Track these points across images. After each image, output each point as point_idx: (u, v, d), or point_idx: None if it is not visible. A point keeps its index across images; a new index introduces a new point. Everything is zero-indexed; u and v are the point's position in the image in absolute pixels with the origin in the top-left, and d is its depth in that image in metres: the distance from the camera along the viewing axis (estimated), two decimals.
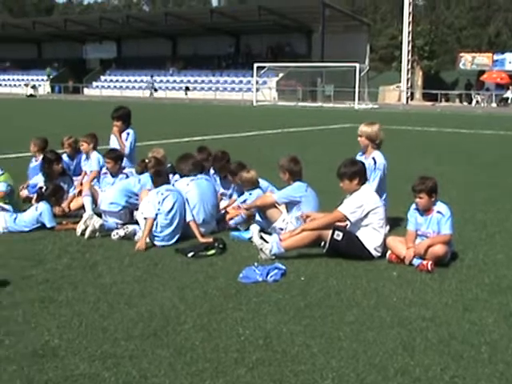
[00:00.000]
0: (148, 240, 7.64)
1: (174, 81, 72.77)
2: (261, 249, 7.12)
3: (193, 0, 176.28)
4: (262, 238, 7.28)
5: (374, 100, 58.76)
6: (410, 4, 59.36)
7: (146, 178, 8.72)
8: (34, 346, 4.70)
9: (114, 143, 10.41)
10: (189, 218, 7.90)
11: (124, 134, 10.35)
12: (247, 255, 7.26)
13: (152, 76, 68.51)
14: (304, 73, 58.11)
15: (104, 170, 9.71)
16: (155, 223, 7.71)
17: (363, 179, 7.31)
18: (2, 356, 4.51)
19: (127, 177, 9.38)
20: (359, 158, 8.21)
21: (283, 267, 6.56)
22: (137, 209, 8.40)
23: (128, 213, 8.51)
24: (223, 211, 8.87)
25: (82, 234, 7.98)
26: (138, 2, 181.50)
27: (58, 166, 9.73)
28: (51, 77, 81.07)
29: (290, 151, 11.66)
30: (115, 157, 9.48)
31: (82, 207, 9.23)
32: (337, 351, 4.68)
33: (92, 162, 9.92)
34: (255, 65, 55.99)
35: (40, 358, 4.49)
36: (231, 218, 8.54)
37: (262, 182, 8.94)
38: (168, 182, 8.27)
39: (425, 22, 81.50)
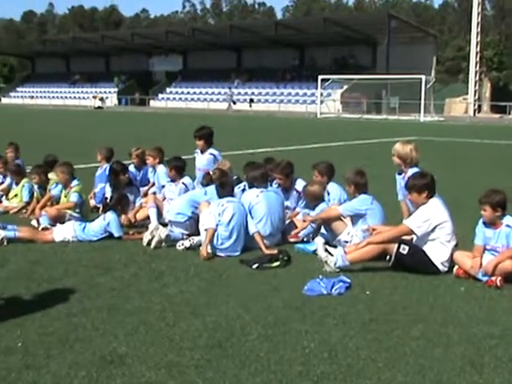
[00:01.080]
0: (210, 251, 7.72)
1: (239, 93, 73.32)
2: (325, 261, 7.09)
3: (258, 12, 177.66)
4: (326, 250, 7.24)
5: (440, 112, 57.97)
6: (478, 14, 58.36)
7: (212, 189, 8.81)
8: (103, 352, 4.79)
9: (199, 161, 10.51)
10: (252, 230, 7.93)
11: (208, 155, 10.42)
12: (312, 267, 7.24)
13: (230, 88, 68.30)
14: (369, 85, 57.73)
15: (168, 178, 9.90)
16: (216, 235, 7.78)
17: (432, 193, 7.20)
18: (73, 361, 4.62)
19: (186, 187, 9.52)
20: (398, 178, 8.19)
21: (348, 280, 6.52)
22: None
23: (194, 223, 8.60)
24: (287, 221, 8.88)
25: (149, 243, 8.11)
26: (203, 15, 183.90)
27: (124, 177, 9.92)
28: (119, 87, 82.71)
29: (354, 164, 11.62)
30: (176, 166, 9.64)
31: (148, 217, 9.38)
32: (403, 366, 4.61)
33: (160, 177, 10.10)
34: (319, 77, 55.92)
35: (108, 365, 4.58)
36: (298, 232, 8.55)
37: (333, 189, 8.85)
38: (232, 194, 8.33)
39: (494, 32, 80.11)
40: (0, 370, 4.46)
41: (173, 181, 9.65)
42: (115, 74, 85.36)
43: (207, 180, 9.29)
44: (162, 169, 10.27)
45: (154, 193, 10.20)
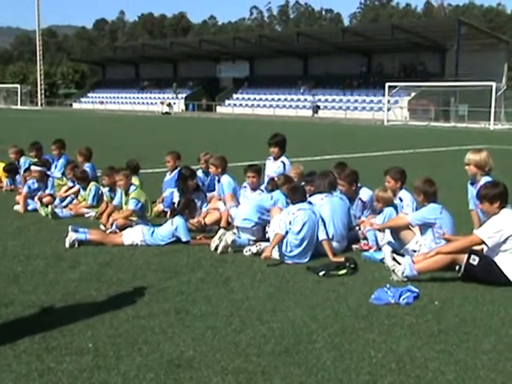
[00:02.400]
0: (273, 255, 7.74)
1: (305, 99, 73.29)
2: (393, 270, 7.01)
3: (325, 19, 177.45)
4: (394, 259, 7.16)
5: (511, 120, 56.56)
6: None
7: (277, 194, 8.83)
8: (170, 355, 4.85)
9: (270, 168, 10.57)
10: (322, 236, 7.92)
11: (279, 163, 10.46)
12: (379, 276, 7.17)
13: (314, 95, 67.87)
14: (437, 92, 56.89)
15: (245, 183, 9.93)
16: (285, 242, 7.78)
17: (504, 203, 7.03)
18: (141, 363, 4.69)
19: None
20: (470, 188, 8.02)
21: (416, 290, 6.42)
22: (269, 225, 8.53)
23: (261, 229, 8.63)
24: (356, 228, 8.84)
25: (216, 248, 8.18)
26: (270, 22, 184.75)
27: (192, 182, 10.02)
28: (178, 92, 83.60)
29: (422, 172, 11.46)
30: (258, 170, 9.82)
31: (215, 222, 9.45)
32: (473, 380, 4.51)
33: (224, 186, 10.10)
34: (387, 84, 55.37)
35: (176, 368, 4.63)
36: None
37: (406, 196, 8.76)
38: (304, 199, 8.30)
39: None
40: (72, 369, 4.57)
41: (252, 188, 9.74)
42: (183, 80, 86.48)
43: (272, 186, 9.32)
44: (226, 179, 10.18)
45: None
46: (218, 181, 10.42)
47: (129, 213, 9.40)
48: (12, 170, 13.34)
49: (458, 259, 6.92)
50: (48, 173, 12.11)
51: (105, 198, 10.50)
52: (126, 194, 9.63)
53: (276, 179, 9.42)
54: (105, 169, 10.73)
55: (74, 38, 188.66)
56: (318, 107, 66.20)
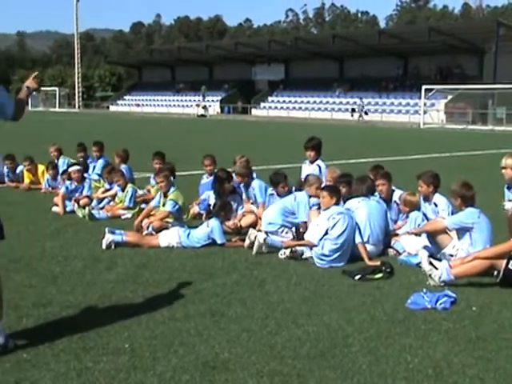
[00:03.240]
0: (318, 263, 7.76)
1: (340, 102, 73.01)
2: (430, 275, 6.94)
3: (360, 21, 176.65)
4: (431, 263, 7.09)
5: None
6: None
7: (301, 195, 8.83)
8: (206, 357, 4.87)
9: (306, 171, 10.54)
10: (358, 240, 7.90)
11: (314, 166, 10.43)
12: (415, 281, 7.11)
13: (361, 98, 67.34)
14: (474, 95, 56.15)
15: (270, 191, 9.90)
16: (322, 245, 7.77)
17: None
18: (177, 365, 4.72)
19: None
20: (507, 192, 7.91)
21: (453, 295, 6.36)
22: (296, 226, 8.62)
23: (289, 231, 8.67)
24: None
25: (250, 247, 8.21)
26: (306, 25, 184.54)
27: (228, 185, 10.04)
28: (206, 95, 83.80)
29: (459, 176, 11.33)
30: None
31: (251, 225, 9.47)
32: None
33: (256, 192, 10.09)
34: (423, 87, 54.85)
35: (211, 370, 4.65)
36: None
37: (441, 200, 8.69)
38: (338, 203, 8.27)
39: None
40: (109, 369, 4.62)
41: (279, 195, 9.62)
42: (219, 83, 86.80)
43: (299, 185, 9.28)
44: (257, 184, 10.19)
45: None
46: (245, 189, 10.39)
47: (165, 214, 9.44)
48: (54, 168, 13.47)
49: (497, 264, 6.83)
50: (85, 174, 12.26)
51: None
52: (165, 196, 9.66)
53: (302, 180, 9.38)
54: (159, 170, 10.60)
55: (111, 41, 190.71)
56: (365, 112, 65.11)
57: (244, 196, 10.44)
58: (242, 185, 10.43)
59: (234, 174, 10.43)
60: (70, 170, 11.96)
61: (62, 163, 13.79)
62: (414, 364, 4.81)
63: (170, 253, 8.29)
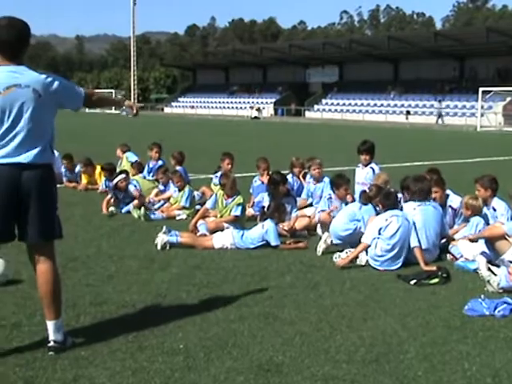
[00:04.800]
0: (364, 261, 7.72)
1: (395, 105, 72.25)
2: (488, 281, 6.80)
3: (416, 23, 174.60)
4: (489, 269, 6.94)
5: None
6: None
7: (368, 209, 8.69)
8: (260, 360, 4.86)
9: (360, 175, 10.51)
10: (414, 243, 7.80)
11: (368, 169, 10.37)
12: (472, 287, 6.97)
13: (440, 101, 66.39)
14: None
15: (329, 194, 9.85)
16: (375, 245, 7.72)
17: None
18: (231, 367, 4.72)
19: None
20: None
21: None
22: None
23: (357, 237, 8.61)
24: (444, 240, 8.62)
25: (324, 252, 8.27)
26: (360, 27, 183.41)
27: (283, 187, 10.03)
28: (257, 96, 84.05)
29: None
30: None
31: (305, 227, 9.44)
32: None
33: (325, 188, 10.28)
34: (480, 89, 53.84)
35: (265, 372, 4.63)
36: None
37: (499, 205, 8.52)
38: (396, 206, 8.18)
39: None
40: (164, 369, 4.65)
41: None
42: (273, 85, 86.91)
43: (365, 199, 9.08)
44: (327, 180, 10.34)
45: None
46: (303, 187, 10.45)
47: (232, 218, 9.39)
48: (110, 170, 13.52)
49: None
50: (139, 175, 12.40)
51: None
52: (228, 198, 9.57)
53: (368, 191, 9.25)
54: (222, 173, 10.60)
55: (166, 44, 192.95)
56: (441, 114, 63.74)
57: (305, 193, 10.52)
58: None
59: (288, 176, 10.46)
60: (117, 179, 11.71)
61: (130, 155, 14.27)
62: (471, 372, 4.71)
63: (224, 254, 8.32)
